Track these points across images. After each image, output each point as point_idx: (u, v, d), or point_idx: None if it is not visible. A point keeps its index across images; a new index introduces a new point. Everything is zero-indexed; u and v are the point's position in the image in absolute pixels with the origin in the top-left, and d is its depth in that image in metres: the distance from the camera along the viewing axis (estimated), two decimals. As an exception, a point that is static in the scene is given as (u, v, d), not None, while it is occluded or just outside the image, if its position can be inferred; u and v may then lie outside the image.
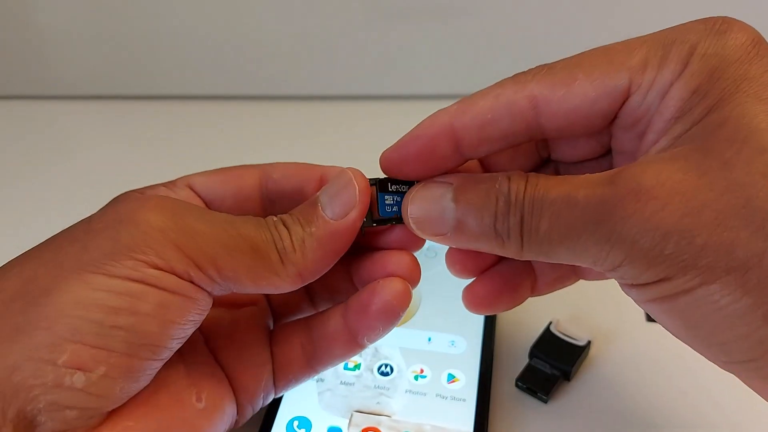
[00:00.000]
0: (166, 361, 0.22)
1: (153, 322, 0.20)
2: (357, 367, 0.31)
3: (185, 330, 0.22)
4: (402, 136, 0.23)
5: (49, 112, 0.56)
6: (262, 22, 0.53)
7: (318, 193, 0.24)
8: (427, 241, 0.25)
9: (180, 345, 0.22)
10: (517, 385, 0.31)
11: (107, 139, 0.54)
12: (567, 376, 0.31)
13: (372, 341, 0.26)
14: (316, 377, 0.30)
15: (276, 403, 0.30)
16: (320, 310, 0.28)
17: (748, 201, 0.18)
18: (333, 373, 0.31)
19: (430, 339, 0.32)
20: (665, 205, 0.18)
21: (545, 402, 0.30)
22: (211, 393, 0.24)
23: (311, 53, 0.54)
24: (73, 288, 0.19)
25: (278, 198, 0.26)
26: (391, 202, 0.24)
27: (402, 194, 0.24)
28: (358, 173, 0.24)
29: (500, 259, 0.27)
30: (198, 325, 0.22)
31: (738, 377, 0.21)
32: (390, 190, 0.24)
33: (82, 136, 0.54)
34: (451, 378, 0.30)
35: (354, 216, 0.23)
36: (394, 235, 0.25)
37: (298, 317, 0.28)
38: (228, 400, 0.25)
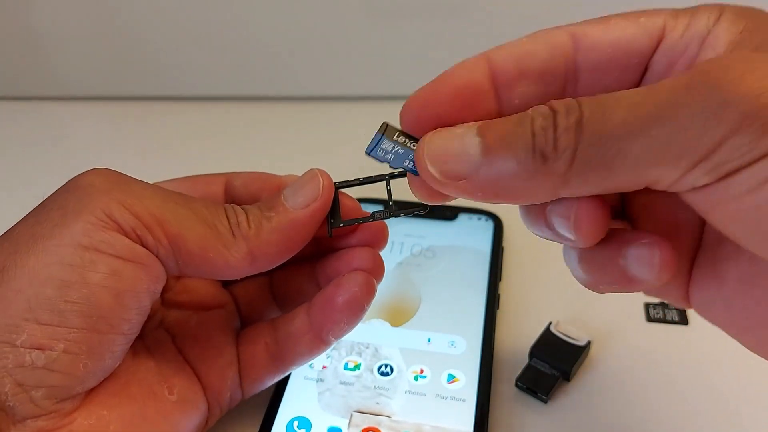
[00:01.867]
0: (130, 337, 0.22)
1: (106, 292, 0.20)
2: (357, 367, 0.31)
3: (140, 300, 0.22)
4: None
5: (49, 112, 0.56)
6: (263, 24, 0.53)
7: (283, 189, 0.24)
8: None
9: (140, 319, 0.22)
10: (517, 385, 0.31)
11: (107, 139, 0.53)
12: (567, 376, 0.31)
13: (337, 337, 0.26)
14: (315, 377, 0.31)
15: (276, 403, 0.30)
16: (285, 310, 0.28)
17: None
18: (333, 374, 0.31)
19: (429, 339, 0.32)
20: None
21: (545, 402, 0.30)
22: (182, 388, 0.24)
23: (310, 54, 0.54)
24: (27, 263, 0.20)
25: (239, 204, 0.27)
26: (390, 149, 0.23)
27: (403, 146, 0.23)
28: (323, 171, 0.25)
29: None
30: (155, 297, 0.22)
31: None
32: (395, 138, 0.23)
33: (82, 136, 0.54)
34: (451, 378, 0.30)
35: (316, 207, 0.24)
36: (359, 236, 0.26)
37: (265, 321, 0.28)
38: (200, 396, 0.25)
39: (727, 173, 0.17)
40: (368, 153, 0.23)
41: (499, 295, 0.34)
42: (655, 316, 0.34)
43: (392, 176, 0.25)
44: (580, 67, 0.21)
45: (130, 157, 0.50)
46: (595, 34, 0.21)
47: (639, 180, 0.18)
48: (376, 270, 0.26)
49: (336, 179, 0.26)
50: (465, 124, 0.20)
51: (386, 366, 0.31)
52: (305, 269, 0.28)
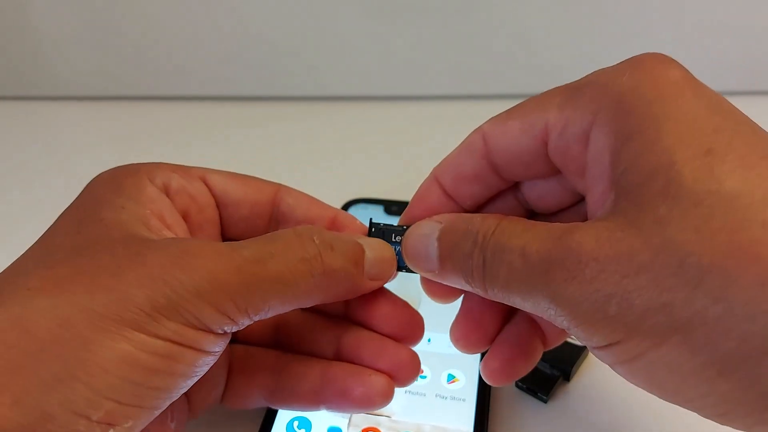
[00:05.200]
0: None
1: (183, 379, 0.21)
2: (357, 367, 0.31)
3: (202, 375, 0.22)
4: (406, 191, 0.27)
5: (48, 112, 0.56)
6: (263, 23, 0.53)
7: (363, 243, 0.24)
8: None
9: None
10: (517, 385, 0.31)
11: (106, 139, 0.54)
12: (567, 376, 0.31)
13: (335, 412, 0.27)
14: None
15: (276, 404, 0.30)
16: (281, 346, 0.28)
17: (683, 259, 0.17)
18: (333, 374, 0.31)
19: (430, 339, 0.32)
20: (604, 268, 0.18)
21: (545, 402, 0.30)
22: (178, 411, 0.25)
23: (311, 54, 0.54)
24: (114, 344, 0.19)
25: (285, 222, 0.27)
26: (396, 250, 0.25)
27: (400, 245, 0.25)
28: (394, 255, 0.25)
29: (502, 326, 0.26)
30: None
31: None
32: (393, 240, 0.25)
33: (81, 136, 0.54)
34: (451, 378, 0.30)
35: (379, 285, 0.25)
36: (393, 321, 0.26)
37: (259, 346, 0.28)
38: (186, 415, 0.26)
39: (592, 347, 0.20)
40: None
41: (499, 295, 0.34)
42: (655, 316, 0.34)
43: None
44: (497, 165, 0.24)
45: (130, 158, 0.50)
46: (496, 137, 0.24)
47: (536, 313, 0.21)
48: (407, 373, 0.26)
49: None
50: (432, 222, 0.24)
51: (386, 366, 0.31)
52: (328, 327, 0.27)
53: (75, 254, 0.21)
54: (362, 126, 0.53)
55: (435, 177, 0.26)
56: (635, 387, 0.31)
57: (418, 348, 0.32)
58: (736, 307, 0.17)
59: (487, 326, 0.26)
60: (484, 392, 0.30)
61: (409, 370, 0.26)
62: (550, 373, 0.31)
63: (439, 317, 0.33)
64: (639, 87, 0.20)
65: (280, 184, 0.27)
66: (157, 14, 0.53)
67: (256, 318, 0.22)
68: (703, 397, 0.19)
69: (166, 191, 0.25)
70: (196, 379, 0.22)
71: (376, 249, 0.25)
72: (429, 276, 0.24)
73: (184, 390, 0.21)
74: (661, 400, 0.30)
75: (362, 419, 0.29)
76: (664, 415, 0.30)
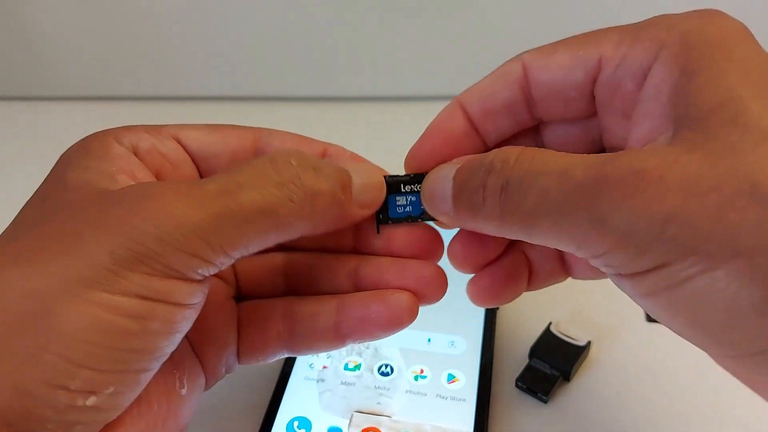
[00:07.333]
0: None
1: (163, 337, 0.20)
2: (357, 367, 0.31)
3: (185, 331, 0.21)
4: (410, 136, 0.26)
5: (48, 112, 0.56)
6: (262, 23, 0.53)
7: (349, 168, 0.23)
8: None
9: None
10: (517, 386, 0.31)
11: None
12: (567, 376, 0.31)
13: (359, 343, 0.26)
14: (316, 378, 0.31)
15: (276, 403, 0.30)
16: (294, 293, 0.26)
17: (756, 184, 0.17)
18: (333, 374, 0.31)
19: (429, 339, 0.32)
20: (670, 187, 0.17)
21: (545, 402, 0.30)
22: (189, 375, 0.24)
23: (312, 54, 0.54)
24: (81, 309, 0.18)
25: None
26: (404, 202, 0.24)
27: (415, 194, 0.24)
28: (383, 178, 0.24)
29: (500, 255, 0.26)
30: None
31: (738, 373, 0.20)
32: (403, 190, 0.24)
33: (81, 136, 0.54)
34: (451, 378, 0.30)
35: (369, 213, 0.24)
36: (411, 245, 0.25)
37: (269, 297, 0.26)
38: (201, 379, 0.25)
39: (618, 274, 0.19)
40: (391, 221, 0.25)
41: (499, 295, 0.34)
42: (655, 316, 0.34)
43: None
44: (533, 98, 0.24)
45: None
46: (539, 68, 0.23)
47: (557, 247, 0.20)
48: (434, 289, 0.24)
49: None
50: (450, 164, 0.23)
51: (386, 366, 0.31)
52: (343, 262, 0.26)
53: (41, 222, 0.20)
54: (362, 126, 0.53)
55: (459, 104, 0.24)
56: (634, 387, 0.31)
57: (418, 348, 0.32)
58: None
59: (489, 247, 0.25)
60: (484, 392, 0.30)
61: (436, 285, 0.24)
62: (550, 373, 0.31)
63: (438, 317, 0.33)
64: (704, 29, 0.20)
65: (260, 129, 0.26)
66: (157, 14, 0.53)
67: (237, 255, 0.20)
68: (749, 333, 0.18)
69: (135, 152, 0.23)
70: (179, 336, 0.20)
71: (364, 174, 0.23)
72: (444, 219, 0.23)
73: (170, 348, 0.20)
74: (661, 401, 0.30)
75: (363, 419, 0.29)
76: (663, 414, 0.30)
